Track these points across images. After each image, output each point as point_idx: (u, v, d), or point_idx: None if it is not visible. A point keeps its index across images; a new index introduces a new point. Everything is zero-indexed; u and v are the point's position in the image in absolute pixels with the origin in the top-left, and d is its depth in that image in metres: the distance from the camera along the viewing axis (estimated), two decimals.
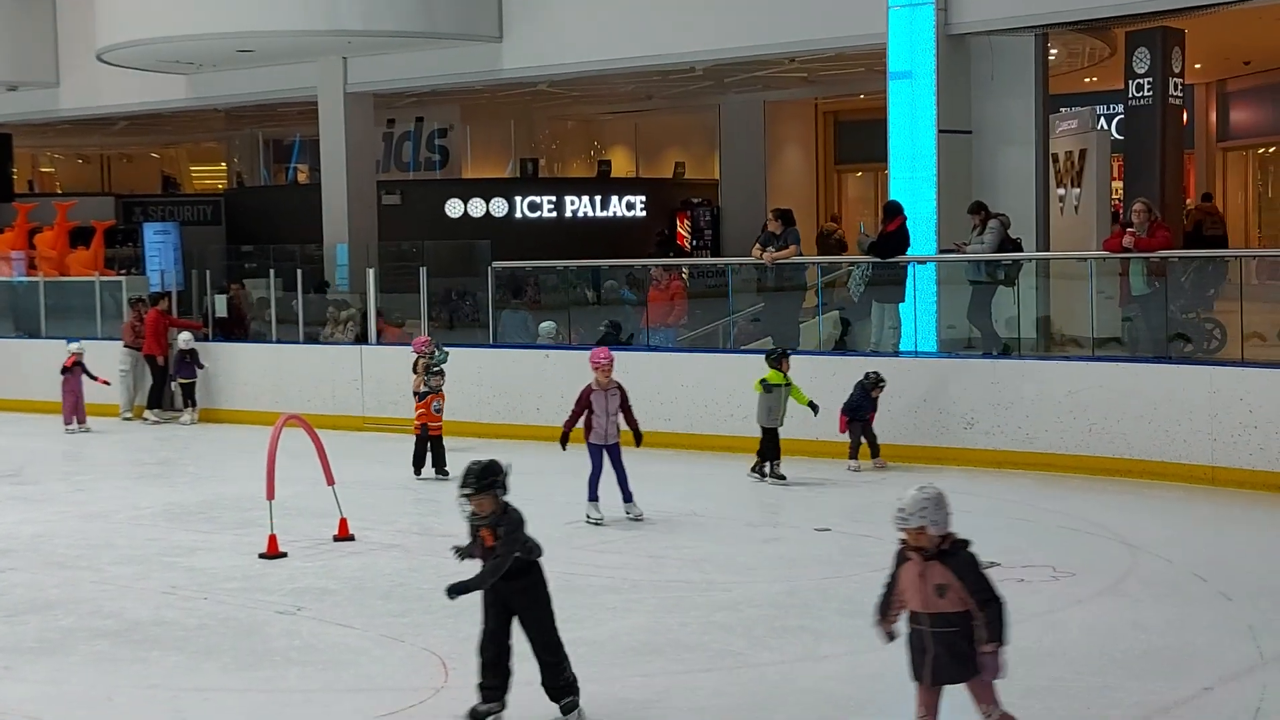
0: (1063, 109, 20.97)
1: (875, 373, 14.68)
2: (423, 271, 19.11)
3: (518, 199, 30.07)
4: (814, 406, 13.93)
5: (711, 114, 31.78)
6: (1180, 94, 18.72)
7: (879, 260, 16.47)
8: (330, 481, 11.65)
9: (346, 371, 19.09)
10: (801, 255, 17.41)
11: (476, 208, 29.63)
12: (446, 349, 15.83)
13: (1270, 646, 8.18)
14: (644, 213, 31.24)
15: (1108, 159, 19.47)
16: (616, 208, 30.83)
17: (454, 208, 29.62)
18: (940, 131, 18.22)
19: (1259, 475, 12.90)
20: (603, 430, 12.20)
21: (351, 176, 24.35)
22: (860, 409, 14.61)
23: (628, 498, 12.36)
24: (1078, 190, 18.80)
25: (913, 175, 18.30)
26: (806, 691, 7.66)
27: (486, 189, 30.49)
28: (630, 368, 16.47)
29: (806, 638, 8.67)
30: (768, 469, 13.92)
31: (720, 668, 8.10)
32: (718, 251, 29.82)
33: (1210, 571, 10.05)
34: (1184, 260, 15.90)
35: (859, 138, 31.18)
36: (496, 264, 19.31)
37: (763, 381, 13.93)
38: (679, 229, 31.43)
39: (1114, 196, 21.26)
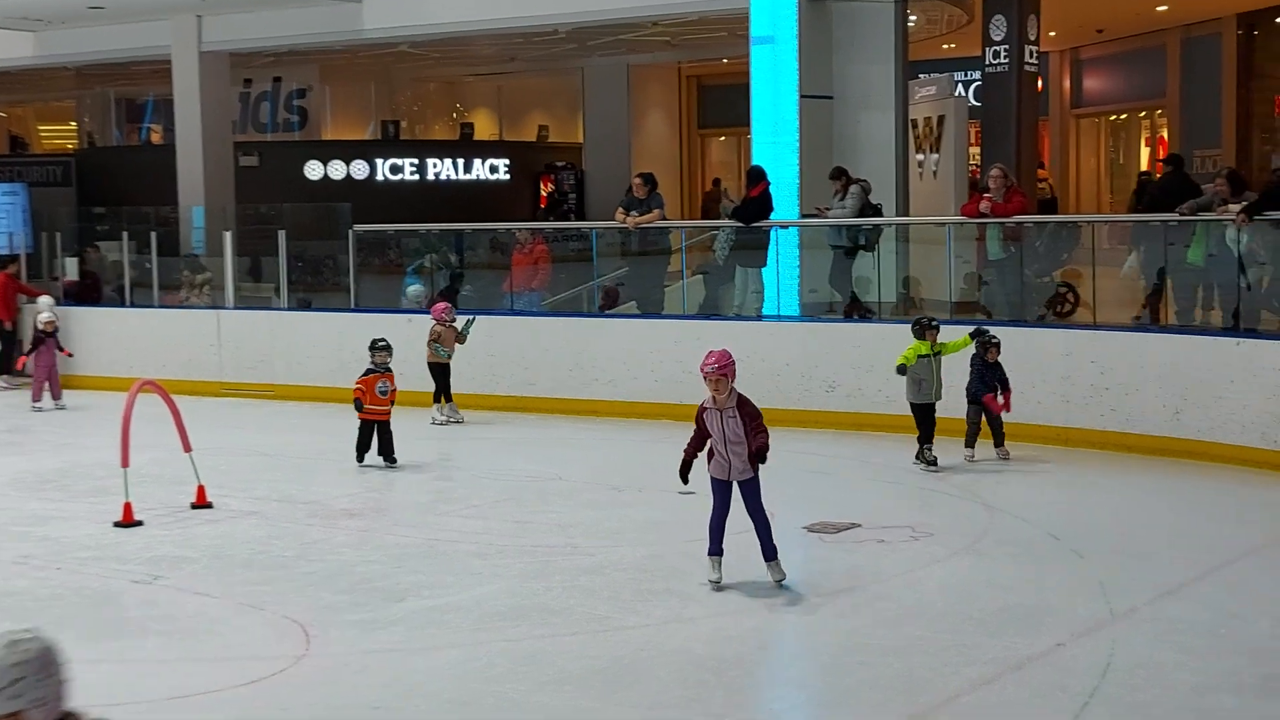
0: (922, 75, 21.24)
1: (981, 329, 13.10)
2: (282, 235, 18.80)
3: (379, 161, 29.69)
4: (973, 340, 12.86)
5: (575, 77, 31.66)
6: (1035, 61, 19.05)
7: (742, 225, 16.56)
8: (187, 448, 11.43)
9: (203, 336, 18.74)
10: (665, 219, 17.44)
11: (337, 170, 29.20)
12: (470, 316, 15.80)
13: (1120, 603, 8.41)
14: (508, 176, 31.05)
15: (965, 125, 19.81)
16: (480, 171, 30.60)
17: (313, 170, 29.15)
18: (802, 96, 18.33)
19: (1110, 436, 13.23)
20: (725, 463, 8.90)
21: (207, 137, 23.86)
22: (980, 388, 12.88)
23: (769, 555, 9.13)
24: (936, 156, 19.08)
25: (775, 140, 18.40)
26: (672, 654, 7.70)
27: (347, 151, 30.06)
28: (494, 332, 16.43)
29: (672, 601, 8.71)
30: (922, 453, 12.67)
31: (586, 631, 8.11)
32: (582, 215, 29.76)
33: (1063, 530, 10.29)
34: (1038, 225, 16.21)
35: (722, 102, 31.27)
36: (358, 227, 19.07)
37: (916, 352, 12.58)
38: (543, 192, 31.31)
39: (971, 162, 21.61)
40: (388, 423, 13.11)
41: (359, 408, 13.08)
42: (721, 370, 8.77)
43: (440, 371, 15.63)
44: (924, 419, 12.64)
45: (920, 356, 12.53)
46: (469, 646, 7.84)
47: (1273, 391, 12.21)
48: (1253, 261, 13.45)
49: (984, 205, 14.93)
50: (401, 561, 9.68)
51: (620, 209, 17.06)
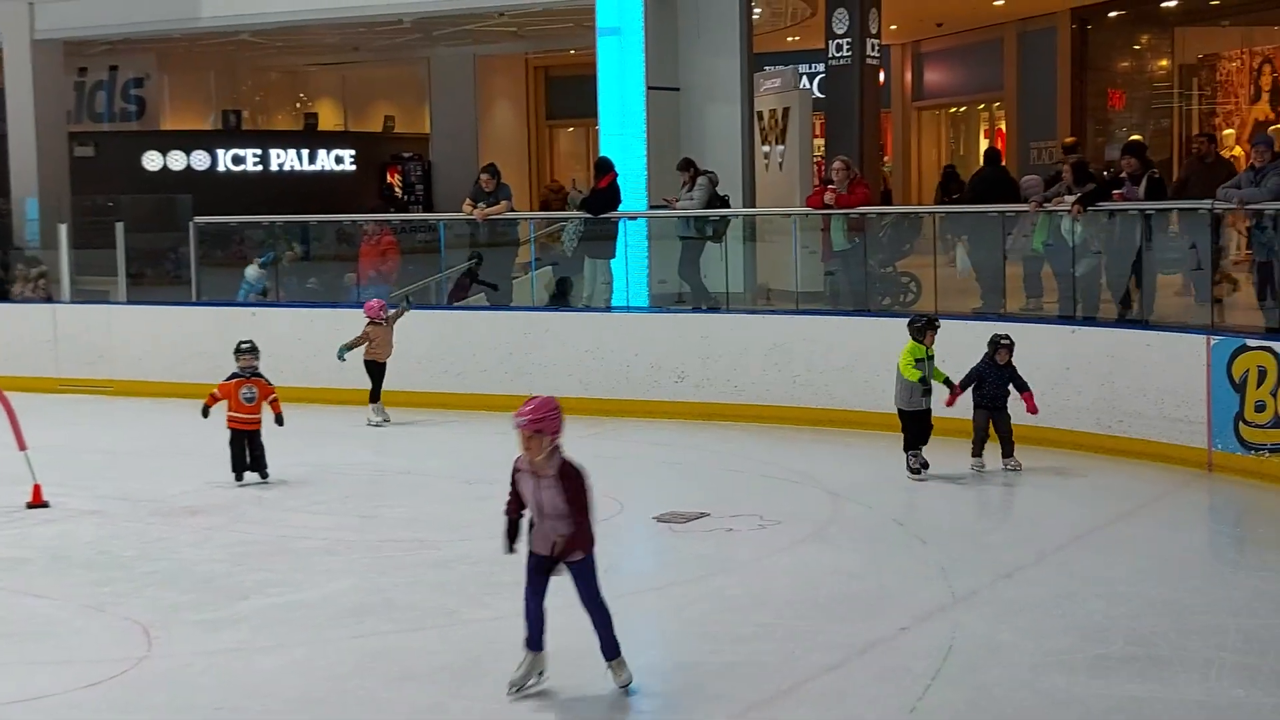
0: (767, 68, 21.43)
1: (1001, 335, 12.00)
2: (119, 227, 18.36)
3: (220, 152, 29.15)
4: (950, 384, 11.76)
5: (421, 67, 31.39)
6: (877, 54, 19.34)
7: (591, 216, 16.57)
8: (22, 446, 11.11)
9: (38, 331, 18.22)
10: (514, 211, 17.39)
11: (176, 160, 28.61)
12: (408, 303, 15.55)
13: (961, 586, 8.59)
14: (353, 166, 30.70)
15: (810, 117, 20.03)
16: (325, 161, 30.22)
17: (152, 160, 28.53)
18: (649, 88, 18.39)
19: (952, 423, 13.45)
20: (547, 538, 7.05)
21: (40, 127, 23.21)
22: (986, 386, 11.92)
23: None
24: (782, 148, 19.28)
25: (622, 131, 18.44)
26: (520, 646, 7.67)
27: (187, 141, 29.45)
28: (340, 324, 16.22)
29: (520, 593, 8.68)
30: (910, 460, 11.68)
31: (433, 626, 8.07)
32: (430, 207, 29.54)
33: (906, 516, 10.48)
34: (881, 216, 16.47)
35: (570, 93, 31.27)
36: (199, 219, 18.70)
37: (912, 355, 11.58)
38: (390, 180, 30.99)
39: (816, 154, 21.88)
40: (258, 433, 11.89)
41: (205, 413, 11.92)
42: (535, 423, 6.83)
43: (376, 370, 15.02)
44: (913, 424, 11.65)
45: (917, 360, 11.50)
46: (315, 644, 7.74)
47: (1105, 378, 12.56)
48: (1086, 251, 13.81)
49: (828, 197, 15.13)
50: (246, 559, 9.52)
51: (468, 200, 16.97)
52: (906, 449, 11.63)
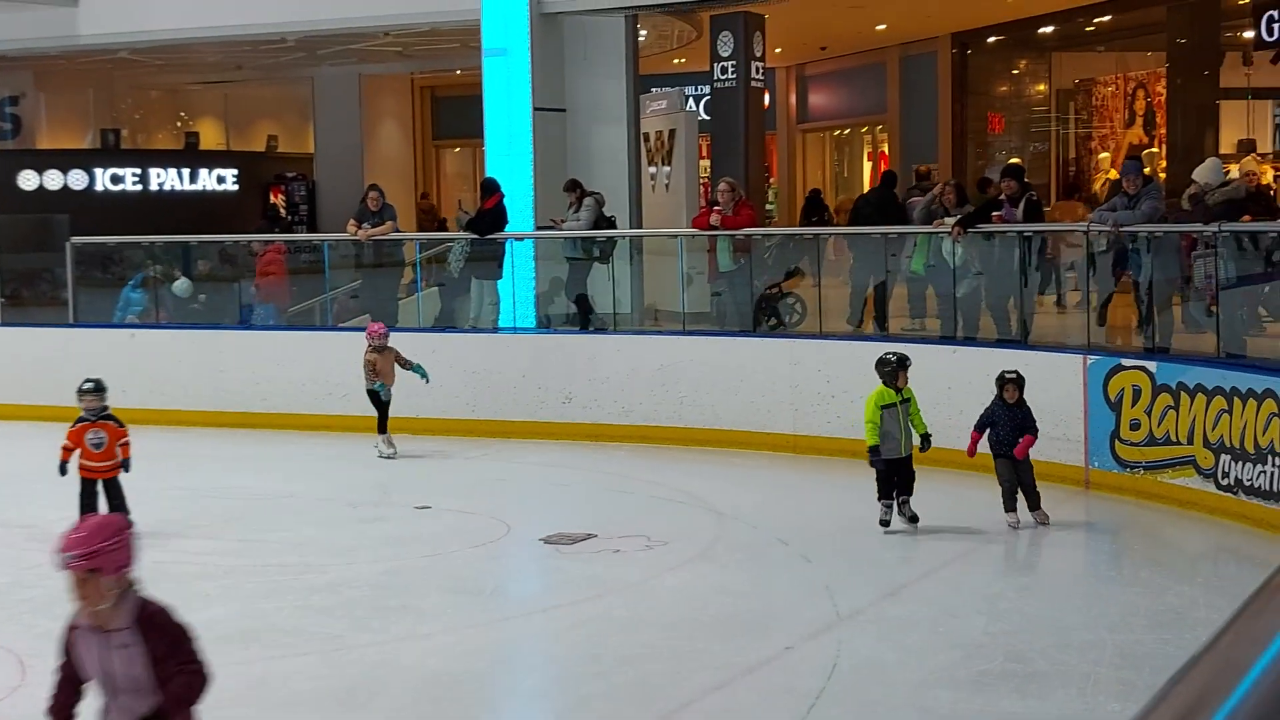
0: (653, 89, 21.54)
1: (1008, 371, 10.74)
2: None
3: (98, 171, 28.60)
4: (927, 438, 10.51)
5: (305, 86, 31.07)
6: (762, 77, 19.51)
7: (477, 237, 16.52)
8: None
9: None
10: (399, 231, 17.29)
11: (53, 180, 28.02)
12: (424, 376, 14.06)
13: (845, 604, 8.66)
14: (236, 186, 30.29)
15: (695, 139, 20.14)
16: (207, 181, 29.76)
17: (28, 179, 27.90)
18: (535, 109, 18.39)
19: (836, 442, 13.61)
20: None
21: None
22: (999, 430, 10.49)
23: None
24: (668, 169, 19.37)
25: (509, 152, 18.41)
26: (408, 670, 7.63)
27: (64, 160, 28.86)
28: (225, 347, 16.01)
29: (408, 617, 8.63)
30: (893, 510, 10.49)
31: (319, 651, 7.97)
32: (314, 227, 29.24)
33: (792, 535, 10.56)
34: (766, 237, 16.60)
35: (456, 114, 31.12)
36: (76, 239, 18.35)
37: (877, 404, 10.39)
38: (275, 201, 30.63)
39: (702, 175, 22.01)
40: (115, 479, 10.67)
41: (62, 470, 10.68)
42: (87, 558, 4.68)
43: (380, 399, 14.13)
44: (890, 475, 10.42)
45: (883, 407, 10.32)
46: None
47: (986, 398, 12.72)
48: (967, 273, 14.03)
49: (714, 218, 15.23)
50: None
51: (353, 221, 16.83)
52: (879, 498, 10.44)
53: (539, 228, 17.62)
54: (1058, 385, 12.15)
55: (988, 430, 10.53)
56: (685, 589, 9.18)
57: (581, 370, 15.04)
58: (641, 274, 16.90)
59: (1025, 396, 10.57)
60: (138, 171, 28.96)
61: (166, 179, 29.24)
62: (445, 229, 21.67)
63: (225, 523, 11.32)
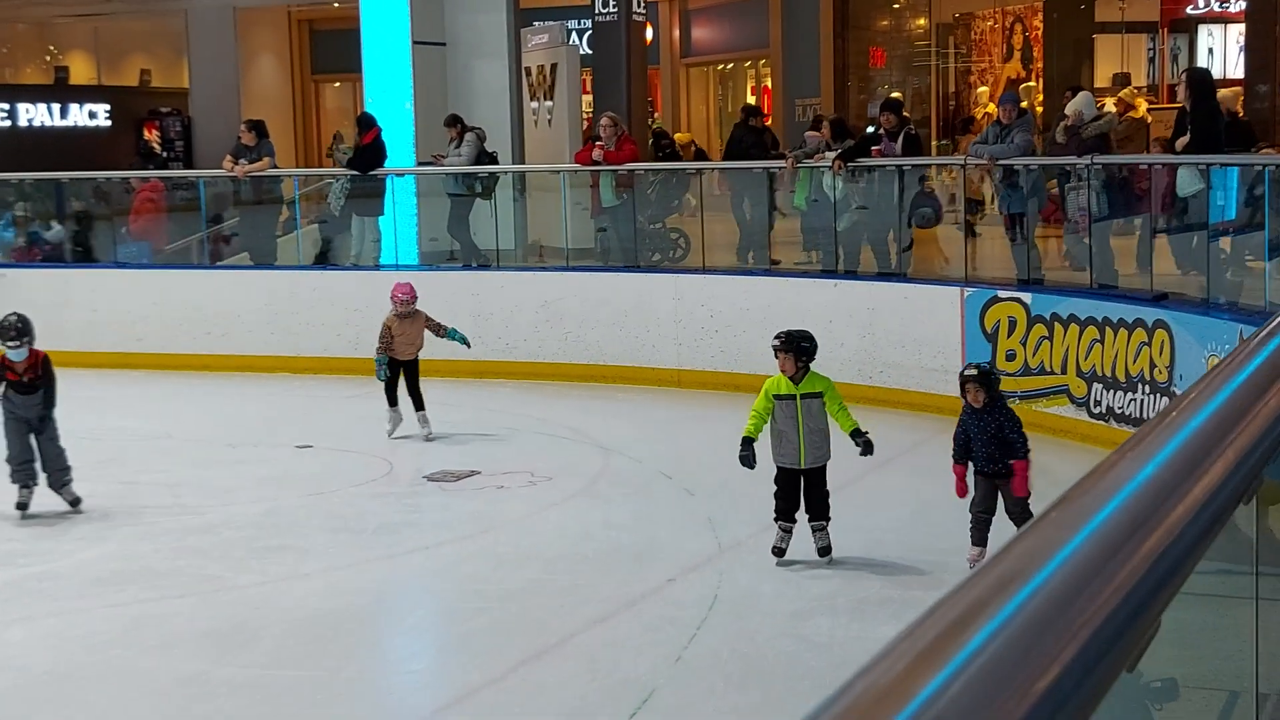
0: (535, 23, 21.32)
1: (973, 366, 8.47)
2: None
3: None
4: (858, 435, 8.38)
5: (179, 19, 30.36)
6: (644, 10, 19.39)
7: (357, 173, 16.30)
8: None
9: None
10: (276, 168, 16.99)
11: None
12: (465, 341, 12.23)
13: (727, 536, 8.73)
14: (108, 122, 29.61)
15: (578, 73, 19.99)
16: (78, 117, 29.07)
17: None
18: (415, 43, 18.13)
19: (720, 376, 13.69)
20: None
21: None
22: (974, 445, 8.09)
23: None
24: (550, 104, 19.22)
25: (389, 87, 18.16)
26: (288, 610, 7.58)
27: None
28: (98, 286, 15.69)
29: (289, 556, 8.56)
30: (791, 536, 8.24)
31: (197, 593, 7.88)
32: (190, 164, 28.67)
33: (675, 469, 10.61)
34: (650, 172, 16.56)
35: (336, 48, 30.57)
36: None
37: (766, 392, 8.33)
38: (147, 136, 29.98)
39: (584, 110, 21.88)
40: None
41: None
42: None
43: (396, 370, 11.86)
44: (790, 490, 8.25)
45: (777, 398, 8.22)
46: (69, 614, 7.49)
47: (865, 330, 12.89)
48: (848, 206, 14.12)
49: (596, 153, 15.15)
50: None
51: (229, 157, 16.52)
52: (775, 517, 8.27)
53: (420, 163, 17.43)
54: (935, 318, 12.31)
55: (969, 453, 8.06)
56: (569, 524, 9.20)
57: (465, 307, 14.92)
58: (525, 210, 16.80)
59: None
60: (5, 107, 28.21)
61: (36, 114, 28.51)
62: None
63: (99, 463, 11.10)
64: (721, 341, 13.74)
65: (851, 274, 13.71)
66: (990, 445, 8.04)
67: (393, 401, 11.81)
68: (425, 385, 12.03)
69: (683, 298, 14.06)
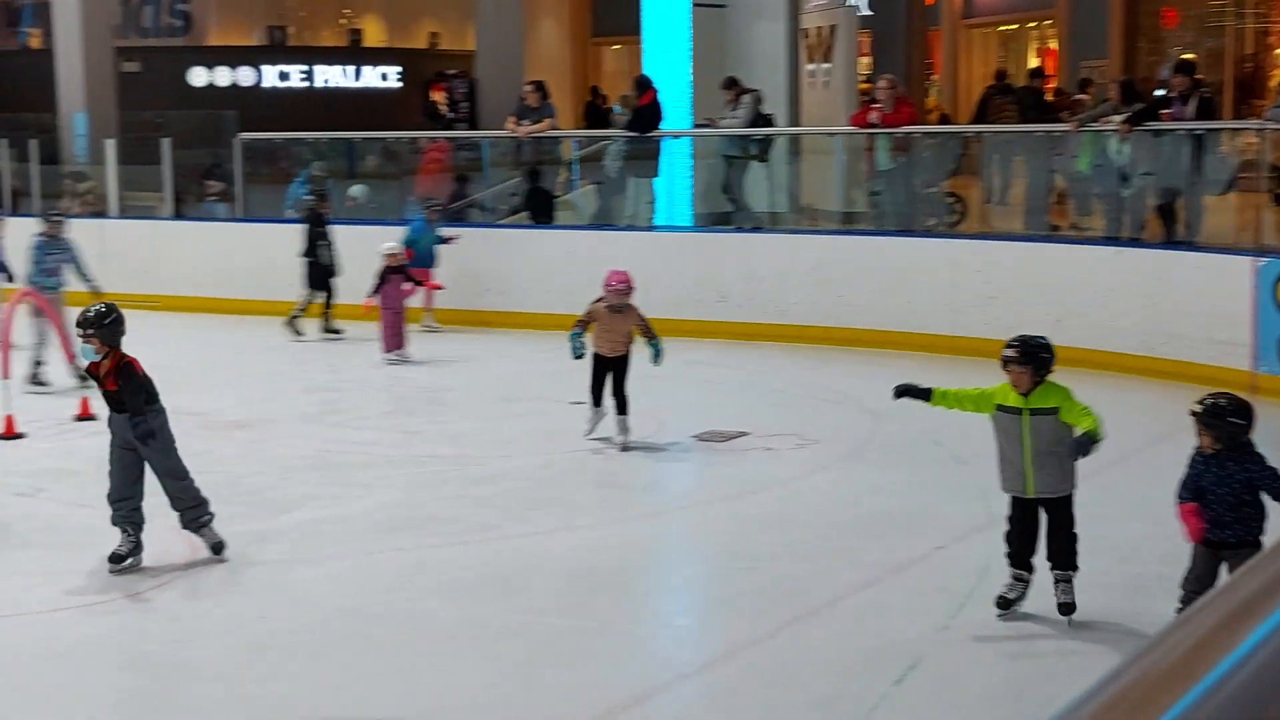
0: None
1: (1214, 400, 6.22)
2: (165, 143, 18.44)
3: (265, 68, 29.15)
4: (1085, 443, 6.63)
5: None
6: None
7: (634, 135, 16.51)
8: (70, 359, 11.26)
9: (86, 247, 18.30)
10: (557, 129, 17.34)
11: (222, 77, 28.64)
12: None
13: (999, 506, 8.55)
14: (399, 84, 30.64)
15: (856, 35, 19.80)
16: (370, 78, 30.16)
17: (198, 76, 28.57)
18: (695, 4, 18.23)
19: (995, 344, 13.25)
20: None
21: (87, 42, 23.21)
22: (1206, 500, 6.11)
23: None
24: (828, 66, 19.10)
25: (668, 49, 18.32)
26: (559, 561, 7.78)
27: (232, 57, 29.44)
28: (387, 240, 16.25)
29: (561, 509, 8.79)
30: (1018, 598, 6.79)
31: (474, 541, 8.16)
32: (474, 125, 29.45)
33: (946, 436, 10.46)
34: (926, 135, 16.33)
35: (616, 10, 30.95)
36: (244, 135, 18.74)
37: (986, 394, 7.03)
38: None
39: (862, 73, 21.68)
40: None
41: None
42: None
43: (601, 365, 10.50)
44: (1015, 524, 6.87)
45: (1001, 409, 6.89)
46: (356, 557, 7.85)
47: (1149, 300, 12.48)
48: (1133, 172, 13.68)
49: (873, 116, 15.02)
50: (289, 473, 9.65)
51: (511, 118, 16.93)
52: (1008, 560, 6.87)
53: (696, 126, 17.54)
54: (1225, 289, 11.84)
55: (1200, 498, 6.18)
56: (836, 488, 9.20)
57: (737, 269, 15.01)
58: (799, 173, 16.76)
59: (1239, 438, 6.16)
60: (303, 69, 29.40)
61: (331, 76, 29.64)
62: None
63: (386, 414, 11.60)
64: (998, 309, 13.48)
65: (1136, 241, 13.29)
66: (1230, 508, 6.07)
67: (597, 400, 10.48)
68: (694, 346, 12.11)
69: (958, 263, 13.85)
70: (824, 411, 11.56)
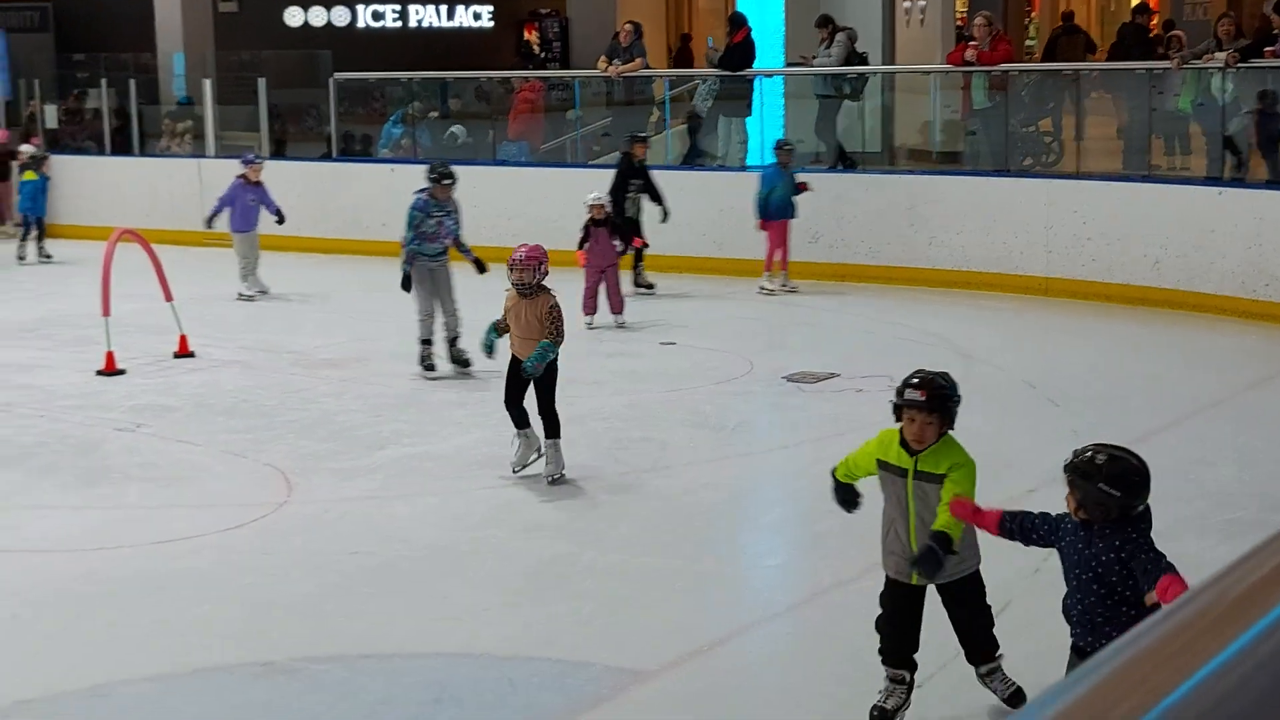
0: None
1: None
2: (262, 83, 18.59)
3: (360, 8, 29.23)
4: (936, 545, 5.05)
5: None
6: None
7: (726, 74, 16.40)
8: (168, 297, 11.45)
9: (185, 185, 18.61)
10: (649, 68, 17.26)
11: (317, 16, 28.75)
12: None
13: None
14: (491, 23, 30.62)
15: None
16: (463, 18, 30.16)
17: (294, 16, 28.70)
18: None
19: (1091, 286, 13.27)
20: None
21: None
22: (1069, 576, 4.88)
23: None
24: (923, 3, 18.83)
25: None
26: (649, 499, 7.82)
27: None
28: (478, 183, 16.33)
29: (651, 449, 8.82)
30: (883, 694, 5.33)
31: (563, 481, 8.20)
32: (566, 64, 29.40)
33: (1040, 379, 10.38)
34: (1024, 74, 16.07)
35: None
36: (339, 75, 18.85)
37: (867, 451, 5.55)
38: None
39: (959, 10, 21.34)
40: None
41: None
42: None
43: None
44: (891, 613, 5.48)
45: (883, 466, 5.44)
46: (447, 494, 7.94)
47: (1252, 240, 12.23)
48: (1236, 110, 13.38)
49: (969, 54, 14.79)
50: (381, 411, 9.76)
51: (603, 57, 16.87)
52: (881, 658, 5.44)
53: (789, 64, 17.38)
54: None
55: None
56: None
57: (829, 210, 14.89)
58: (893, 112, 16.57)
59: None
60: (397, 8, 29.46)
61: (425, 15, 29.68)
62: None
63: (474, 356, 11.63)
64: (1094, 250, 13.30)
65: (1238, 181, 13.02)
66: (1088, 588, 4.67)
67: (517, 420, 8.16)
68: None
69: (1055, 203, 13.65)
70: (916, 353, 11.43)
